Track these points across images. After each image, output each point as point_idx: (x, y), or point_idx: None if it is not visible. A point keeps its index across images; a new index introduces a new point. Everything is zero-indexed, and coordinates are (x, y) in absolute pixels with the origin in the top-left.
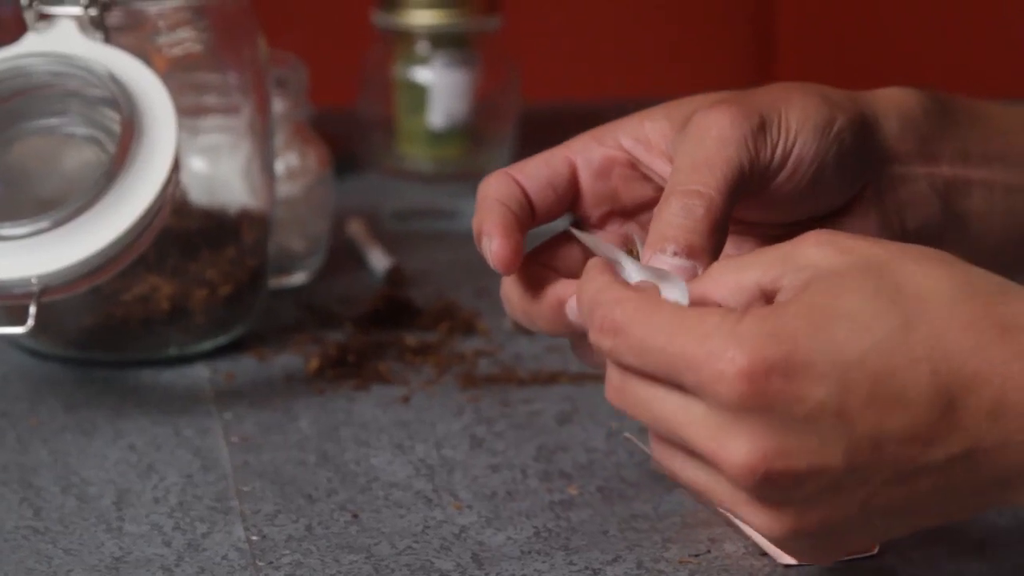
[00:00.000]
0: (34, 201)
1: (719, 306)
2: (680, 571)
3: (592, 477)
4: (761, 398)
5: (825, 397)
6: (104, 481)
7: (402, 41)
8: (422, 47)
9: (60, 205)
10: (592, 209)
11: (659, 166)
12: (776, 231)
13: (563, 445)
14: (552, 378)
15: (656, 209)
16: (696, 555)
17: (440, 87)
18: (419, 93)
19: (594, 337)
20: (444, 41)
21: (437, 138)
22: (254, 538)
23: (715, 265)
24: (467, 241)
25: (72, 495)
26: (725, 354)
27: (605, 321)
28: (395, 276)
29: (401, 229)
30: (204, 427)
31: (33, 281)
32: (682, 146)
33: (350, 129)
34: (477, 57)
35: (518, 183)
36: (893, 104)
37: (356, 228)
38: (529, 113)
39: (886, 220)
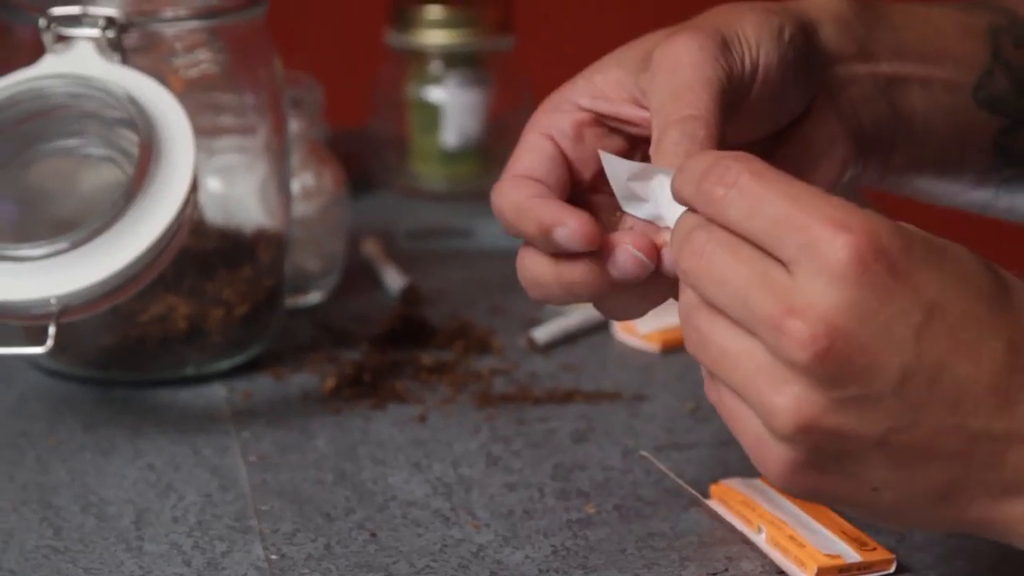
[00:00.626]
0: (52, 222)
1: None
2: None
3: (609, 495)
4: (860, 276)
5: (914, 310)
6: (123, 500)
7: (415, 61)
8: (435, 67)
9: (78, 226)
10: (584, 174)
11: (627, 112)
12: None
13: (580, 463)
14: (567, 396)
15: (653, 146)
16: (713, 573)
17: (453, 106)
18: (432, 112)
19: (708, 185)
20: (457, 61)
21: (450, 157)
22: (273, 557)
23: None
24: (481, 259)
25: (91, 514)
26: (843, 225)
27: (729, 172)
28: (410, 295)
29: (415, 248)
30: (222, 446)
31: (52, 302)
32: (654, 82)
33: (363, 149)
34: (490, 77)
35: (527, 178)
36: (825, 8)
37: (371, 247)
38: None
39: (844, 120)
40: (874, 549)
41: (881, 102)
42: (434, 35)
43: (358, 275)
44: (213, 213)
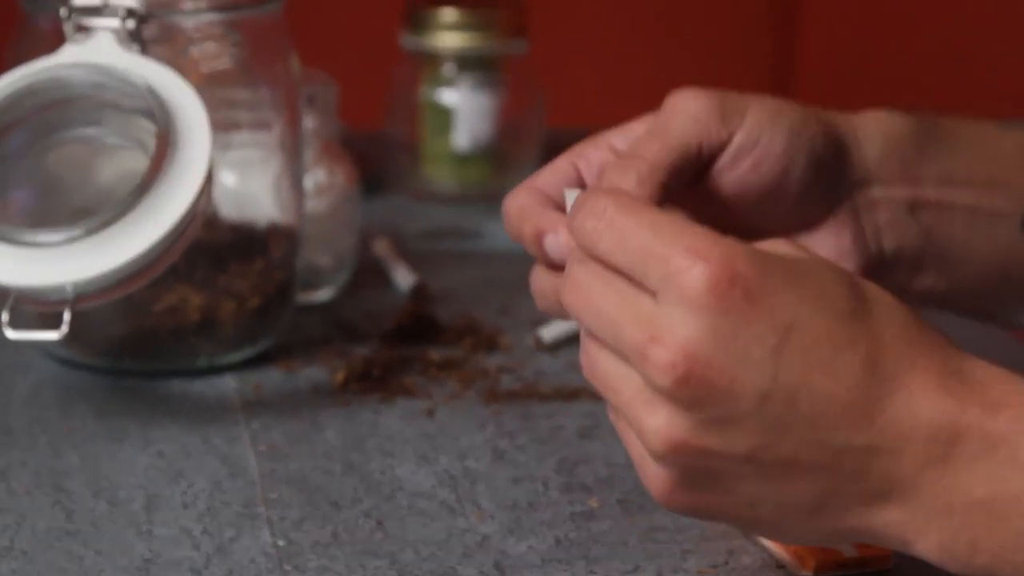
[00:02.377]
0: (69, 209)
1: None
2: None
3: (612, 490)
4: (717, 303)
5: (769, 333)
6: (134, 486)
7: (429, 63)
8: (449, 69)
9: (95, 214)
10: None
11: None
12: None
13: (584, 459)
14: (573, 394)
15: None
16: (714, 566)
17: (466, 109)
18: (445, 115)
19: (580, 219)
20: (470, 64)
21: (462, 160)
22: (281, 543)
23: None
24: (491, 260)
25: (103, 499)
26: (700, 255)
27: (597, 206)
28: (420, 293)
29: (426, 248)
30: (232, 436)
31: (68, 288)
32: (652, 121)
33: (377, 150)
34: (502, 80)
35: (541, 191)
36: (876, 126)
37: (382, 246)
38: (553, 136)
39: (861, 240)
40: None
41: (913, 226)
42: (448, 38)
43: (369, 273)
44: (226, 207)
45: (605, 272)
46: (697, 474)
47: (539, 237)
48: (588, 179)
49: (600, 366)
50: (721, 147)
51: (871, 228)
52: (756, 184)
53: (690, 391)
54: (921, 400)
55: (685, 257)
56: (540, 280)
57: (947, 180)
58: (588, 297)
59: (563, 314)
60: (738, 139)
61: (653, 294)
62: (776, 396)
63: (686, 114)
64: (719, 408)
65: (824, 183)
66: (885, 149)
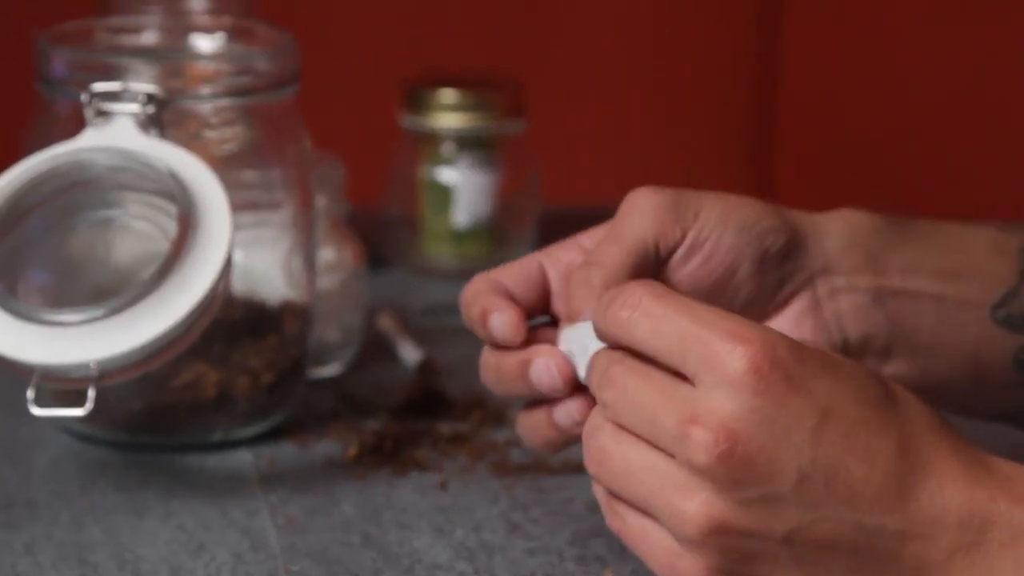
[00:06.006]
0: (89, 289)
1: None
2: None
3: (626, 561)
4: (758, 384)
5: (808, 415)
6: (157, 559)
7: (429, 142)
8: (448, 149)
9: (115, 294)
10: (561, 307)
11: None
12: None
13: (597, 531)
14: (582, 467)
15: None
16: None
17: (465, 187)
18: (445, 193)
19: (614, 311)
20: (469, 143)
21: (461, 236)
22: None
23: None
24: None
25: (128, 571)
26: (741, 338)
27: (632, 297)
28: (428, 367)
29: (429, 323)
30: (251, 509)
31: (92, 366)
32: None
33: (377, 227)
34: (500, 159)
35: (495, 280)
36: (840, 221)
37: (386, 322)
38: (549, 213)
39: (823, 329)
40: None
41: (878, 314)
42: (447, 118)
43: (374, 348)
44: (237, 283)
45: (643, 366)
46: (735, 558)
47: (484, 316)
48: (553, 278)
49: (620, 455)
50: (676, 244)
51: (833, 316)
52: (707, 278)
53: (731, 469)
54: (951, 487)
55: (725, 340)
56: (486, 356)
57: (913, 269)
58: (626, 393)
59: (504, 393)
60: (690, 236)
61: (691, 379)
62: (815, 477)
63: (643, 214)
64: (759, 487)
65: (776, 275)
66: (849, 240)
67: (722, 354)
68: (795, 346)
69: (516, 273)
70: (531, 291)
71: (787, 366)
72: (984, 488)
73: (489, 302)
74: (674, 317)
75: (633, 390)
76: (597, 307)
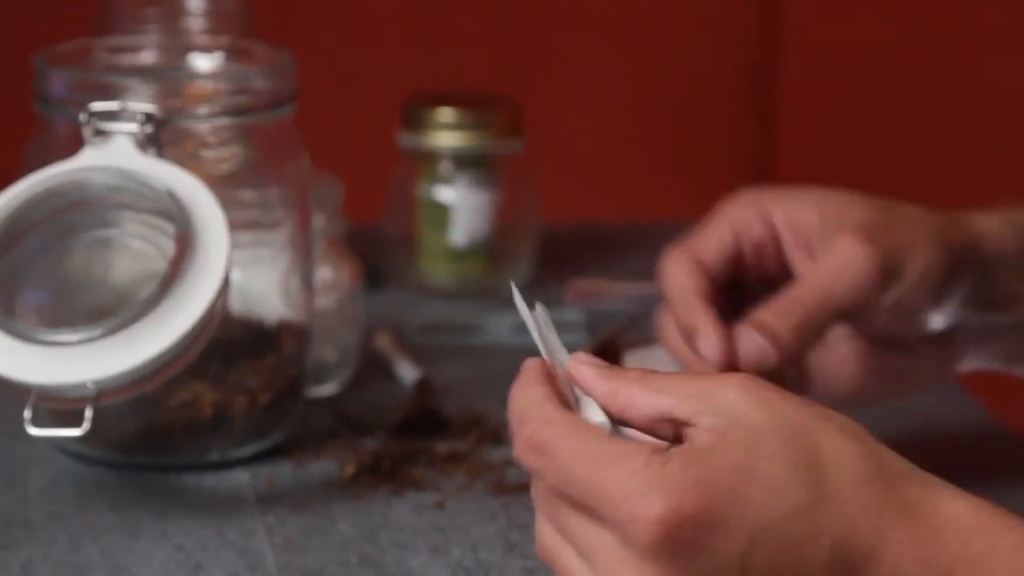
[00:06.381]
0: (87, 309)
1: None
2: None
3: None
4: (672, 545)
5: (731, 556)
6: None
7: (427, 161)
8: (446, 167)
9: (113, 313)
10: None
11: (797, 258)
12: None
13: None
14: None
15: (765, 312)
16: None
17: (463, 206)
18: (443, 212)
19: (520, 450)
20: (467, 162)
21: (459, 255)
22: None
23: (635, 379)
24: (491, 354)
25: None
26: (645, 497)
27: (533, 438)
28: (425, 386)
29: (426, 342)
30: (247, 529)
31: (89, 386)
32: (819, 264)
33: (375, 245)
34: (498, 178)
35: (702, 265)
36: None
37: (383, 340)
38: (547, 232)
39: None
40: None
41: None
42: (445, 137)
43: (371, 367)
44: (235, 303)
45: (564, 501)
46: None
47: (692, 335)
48: (745, 251)
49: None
50: (876, 303)
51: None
52: (888, 323)
53: None
54: (905, 560)
55: (631, 503)
56: (669, 331)
57: None
58: (556, 520)
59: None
60: (888, 297)
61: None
62: None
63: (855, 276)
64: None
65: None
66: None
67: (627, 524)
68: (702, 488)
69: (715, 247)
70: (727, 264)
71: (697, 517)
72: (936, 567)
73: (698, 318)
74: (577, 475)
75: (565, 522)
76: (512, 426)
